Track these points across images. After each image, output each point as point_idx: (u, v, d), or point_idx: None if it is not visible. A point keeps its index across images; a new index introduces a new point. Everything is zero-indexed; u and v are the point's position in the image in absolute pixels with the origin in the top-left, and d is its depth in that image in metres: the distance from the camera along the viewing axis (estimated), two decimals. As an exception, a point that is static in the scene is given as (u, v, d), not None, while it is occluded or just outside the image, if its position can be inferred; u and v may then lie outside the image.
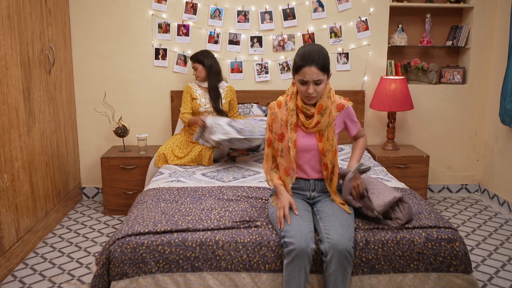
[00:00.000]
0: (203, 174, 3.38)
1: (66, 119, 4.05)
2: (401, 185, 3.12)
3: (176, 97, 4.24)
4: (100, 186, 4.42)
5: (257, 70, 4.28)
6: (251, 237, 2.32)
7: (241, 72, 4.28)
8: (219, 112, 3.78)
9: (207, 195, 2.85)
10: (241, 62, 4.27)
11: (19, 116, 3.17)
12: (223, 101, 3.83)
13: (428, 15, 4.35)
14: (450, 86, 4.45)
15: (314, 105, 2.41)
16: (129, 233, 2.34)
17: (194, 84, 3.89)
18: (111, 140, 4.38)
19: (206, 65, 3.79)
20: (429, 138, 4.53)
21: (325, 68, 2.33)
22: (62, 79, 3.97)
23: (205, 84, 3.86)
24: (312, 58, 2.31)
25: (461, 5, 4.31)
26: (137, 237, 2.32)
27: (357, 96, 4.32)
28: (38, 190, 3.47)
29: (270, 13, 4.20)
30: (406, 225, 2.40)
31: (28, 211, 3.31)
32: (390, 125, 4.26)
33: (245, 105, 4.17)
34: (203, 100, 3.80)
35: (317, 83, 2.33)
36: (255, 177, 3.29)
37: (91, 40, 4.21)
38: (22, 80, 3.20)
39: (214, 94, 3.79)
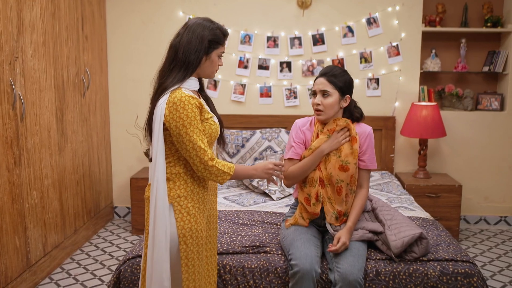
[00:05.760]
0: (224, 198, 3.40)
1: (99, 140, 4.20)
2: (426, 215, 3.01)
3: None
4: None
5: (286, 95, 4.30)
6: (258, 262, 2.30)
7: (270, 96, 4.31)
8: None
9: (223, 219, 2.86)
10: (270, 86, 4.30)
11: (51, 136, 3.32)
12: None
13: (463, 40, 4.24)
14: (487, 113, 4.28)
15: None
16: (140, 254, 2.37)
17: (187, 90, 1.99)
18: (142, 161, 4.49)
19: None
20: (465, 166, 4.35)
21: (334, 83, 2.30)
22: (97, 101, 4.13)
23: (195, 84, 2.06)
24: (324, 71, 2.34)
25: (498, 29, 4.17)
26: (147, 258, 2.35)
27: (387, 122, 4.24)
28: (67, 207, 3.60)
29: (299, 38, 4.22)
30: (421, 258, 2.31)
31: (57, 227, 3.43)
32: (422, 152, 4.13)
33: (273, 129, 4.18)
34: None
35: (324, 94, 2.31)
36: (276, 202, 3.27)
37: (127, 64, 4.37)
38: (55, 102, 3.37)
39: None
